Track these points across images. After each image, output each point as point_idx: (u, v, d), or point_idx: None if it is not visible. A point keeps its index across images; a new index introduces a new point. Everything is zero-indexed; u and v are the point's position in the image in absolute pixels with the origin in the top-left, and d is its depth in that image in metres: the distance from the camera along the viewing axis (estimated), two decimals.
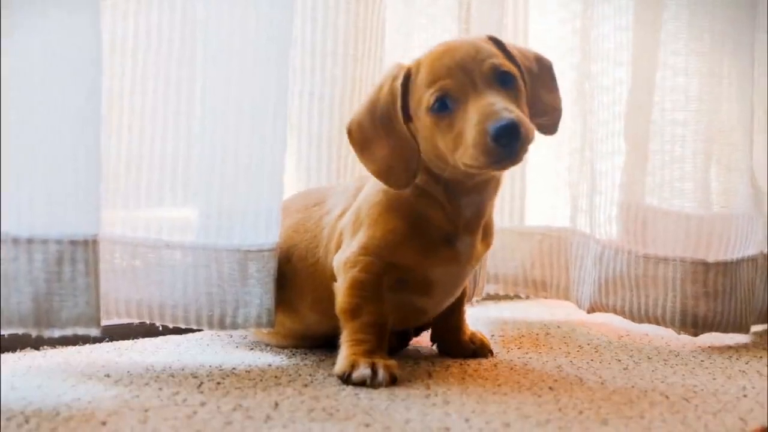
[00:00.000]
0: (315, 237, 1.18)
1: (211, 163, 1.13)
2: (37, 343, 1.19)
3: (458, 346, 1.22)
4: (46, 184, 0.98)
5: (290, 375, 1.08)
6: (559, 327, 1.49)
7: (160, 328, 1.22)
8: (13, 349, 1.17)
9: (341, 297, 1.09)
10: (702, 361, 1.24)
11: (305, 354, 1.22)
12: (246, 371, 1.10)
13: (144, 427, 0.84)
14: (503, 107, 0.98)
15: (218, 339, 1.31)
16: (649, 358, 1.24)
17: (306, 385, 1.03)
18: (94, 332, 1.01)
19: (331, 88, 1.37)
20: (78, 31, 0.99)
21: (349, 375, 1.03)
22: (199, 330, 1.28)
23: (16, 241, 0.97)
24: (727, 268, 1.37)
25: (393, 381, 1.03)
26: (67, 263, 0.99)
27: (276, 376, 1.07)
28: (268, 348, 1.25)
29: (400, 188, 1.08)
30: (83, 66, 0.99)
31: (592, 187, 1.48)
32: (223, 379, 1.05)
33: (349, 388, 1.02)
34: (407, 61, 1.09)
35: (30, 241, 0.98)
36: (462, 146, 1.00)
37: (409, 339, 1.28)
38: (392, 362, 1.06)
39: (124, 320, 1.19)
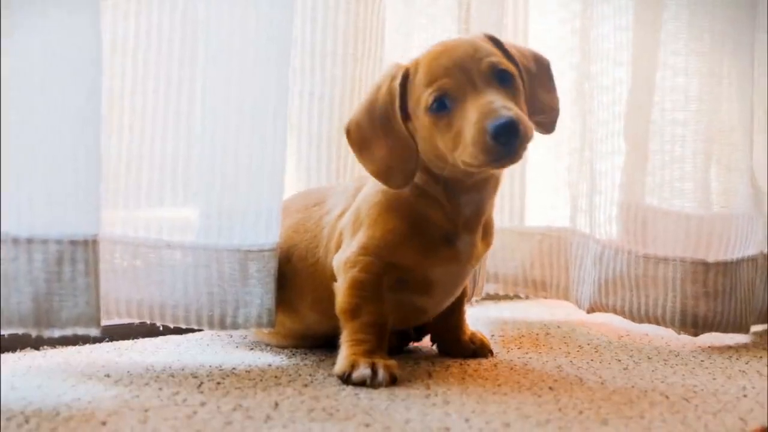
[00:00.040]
0: (315, 237, 1.18)
1: (212, 163, 1.13)
2: (37, 343, 1.19)
3: (458, 346, 1.22)
4: (46, 184, 0.98)
5: (290, 375, 1.08)
6: (559, 327, 1.49)
7: (161, 328, 1.22)
8: (13, 349, 1.17)
9: (341, 297, 1.09)
10: (702, 361, 1.24)
11: (305, 354, 1.22)
12: (246, 371, 1.10)
13: (144, 427, 0.84)
14: (502, 105, 0.98)
15: (218, 339, 1.31)
16: (649, 358, 1.24)
17: (306, 385, 1.03)
18: (94, 332, 1.01)
19: (331, 88, 1.37)
20: (78, 31, 0.99)
21: (349, 375, 1.03)
22: (200, 330, 1.28)
23: (16, 241, 0.97)
24: (727, 268, 1.37)
25: (393, 381, 1.03)
26: (67, 263, 0.99)
27: (276, 376, 1.07)
28: (268, 348, 1.25)
29: (399, 188, 1.08)
30: (83, 66, 0.99)
31: (591, 187, 1.48)
32: (223, 379, 1.05)
33: (349, 388, 1.02)
34: (406, 61, 1.09)
35: (30, 241, 0.98)
36: (461, 145, 1.00)
37: (410, 341, 1.27)
38: (392, 362, 1.06)
39: (125, 320, 1.19)
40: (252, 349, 1.25)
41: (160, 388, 1.00)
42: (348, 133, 1.10)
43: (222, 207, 1.14)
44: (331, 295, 1.11)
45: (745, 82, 1.41)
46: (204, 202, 1.14)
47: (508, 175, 1.59)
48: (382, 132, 1.07)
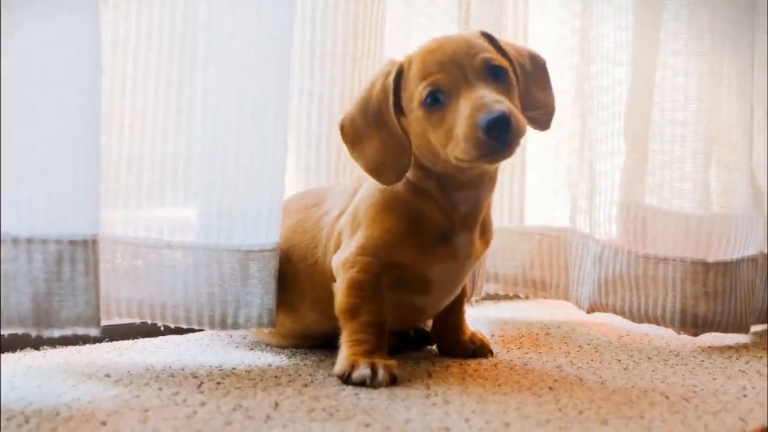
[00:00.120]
0: (314, 237, 1.18)
1: (212, 163, 1.13)
2: (37, 343, 1.19)
3: (458, 346, 1.22)
4: (45, 184, 0.98)
5: (290, 375, 1.08)
6: (559, 327, 1.49)
7: (161, 328, 1.22)
8: (13, 349, 1.17)
9: (340, 297, 1.09)
10: (702, 361, 1.24)
11: (305, 354, 1.22)
12: (246, 371, 1.10)
13: (144, 427, 0.84)
14: (494, 100, 0.98)
15: (218, 339, 1.31)
16: (649, 358, 1.24)
17: (306, 385, 1.03)
18: (94, 332, 1.01)
19: (330, 88, 1.37)
20: (78, 31, 0.99)
21: (349, 375, 1.03)
22: (200, 330, 1.28)
23: (15, 241, 0.97)
24: (726, 268, 1.37)
25: (393, 381, 1.03)
26: (66, 263, 0.99)
27: (276, 376, 1.07)
28: (268, 348, 1.25)
29: (391, 184, 1.08)
30: (83, 66, 0.99)
31: (591, 187, 1.48)
32: (223, 379, 1.05)
33: (349, 388, 1.02)
34: (402, 58, 1.09)
35: (30, 241, 0.98)
36: (453, 140, 1.00)
37: (409, 342, 1.27)
38: (392, 362, 1.06)
39: (125, 320, 1.19)
40: (252, 349, 1.25)
41: (160, 388, 0.99)
42: (342, 128, 1.10)
43: (222, 207, 1.14)
44: (330, 296, 1.11)
45: (745, 82, 1.41)
46: (204, 202, 1.14)
47: (507, 174, 1.59)
48: (376, 128, 1.07)
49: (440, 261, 1.10)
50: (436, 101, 1.02)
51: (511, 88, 1.05)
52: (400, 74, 1.07)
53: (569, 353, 1.26)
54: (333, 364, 1.08)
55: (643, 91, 1.43)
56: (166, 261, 1.13)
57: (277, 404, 0.94)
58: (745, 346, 1.37)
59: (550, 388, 1.04)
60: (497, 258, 1.61)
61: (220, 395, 0.97)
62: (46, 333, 0.98)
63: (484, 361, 1.20)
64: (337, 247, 1.13)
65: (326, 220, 1.18)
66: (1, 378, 1.01)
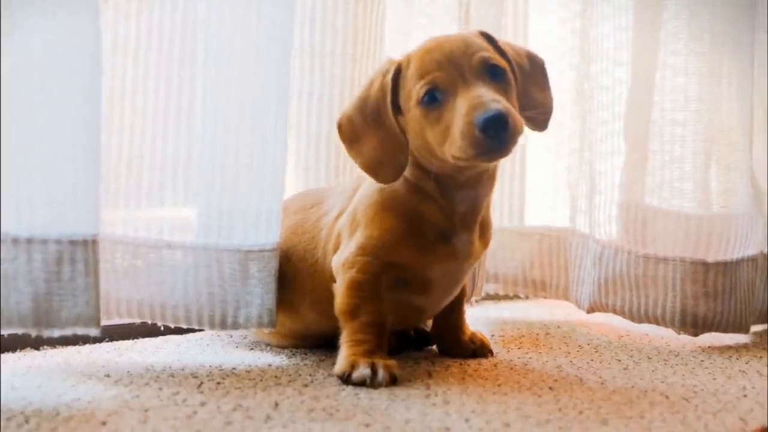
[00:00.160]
0: (313, 238, 1.18)
1: (212, 163, 1.13)
2: (37, 343, 1.19)
3: (458, 346, 1.22)
4: (45, 184, 0.98)
5: (290, 375, 1.08)
6: (559, 327, 1.49)
7: (161, 328, 1.22)
8: (13, 349, 1.17)
9: (340, 298, 1.09)
10: (702, 361, 1.24)
11: (305, 354, 1.22)
12: (246, 371, 1.10)
13: (144, 427, 0.84)
14: (491, 99, 0.98)
15: (218, 339, 1.31)
16: (649, 358, 1.24)
17: (306, 385, 1.03)
18: (94, 332, 1.01)
19: (330, 88, 1.37)
20: (78, 31, 0.99)
21: (349, 375, 1.03)
22: (200, 330, 1.28)
23: (15, 241, 0.97)
24: (726, 268, 1.37)
25: (393, 381, 1.03)
26: (66, 263, 0.99)
27: (276, 376, 1.07)
28: (268, 348, 1.25)
29: (388, 182, 1.08)
30: (83, 66, 0.99)
31: (591, 187, 1.48)
32: (223, 379, 1.05)
33: (349, 388, 1.02)
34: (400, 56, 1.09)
35: (29, 241, 0.98)
36: (450, 138, 1.00)
37: (409, 342, 1.27)
38: (392, 362, 1.06)
39: (125, 320, 1.19)
40: (252, 349, 1.25)
41: (160, 388, 0.99)
42: (340, 127, 1.10)
43: (222, 207, 1.14)
44: (330, 296, 1.11)
45: (745, 82, 1.41)
46: (204, 202, 1.14)
47: (507, 174, 1.59)
48: (374, 126, 1.07)
49: (439, 261, 1.10)
50: (434, 99, 1.02)
51: (509, 87, 1.05)
52: (398, 73, 1.07)
53: (569, 353, 1.26)
54: (333, 364, 1.08)
55: (643, 91, 1.43)
56: (166, 261, 1.13)
57: (277, 404, 0.94)
58: (745, 346, 1.37)
59: (550, 388, 1.04)
60: (497, 258, 1.61)
61: (220, 395, 0.97)
62: (46, 333, 0.98)
63: (484, 361, 1.20)
64: (336, 248, 1.13)
65: (325, 221, 1.18)
66: (1, 378, 1.01)
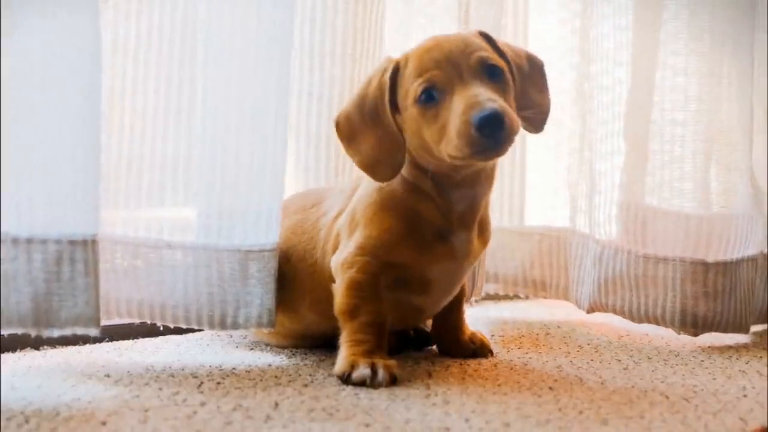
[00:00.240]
0: (312, 238, 1.18)
1: (212, 163, 1.13)
2: (37, 343, 1.19)
3: (458, 346, 1.22)
4: (45, 184, 0.98)
5: (290, 375, 1.08)
6: (559, 327, 1.49)
7: (161, 328, 1.22)
8: (13, 349, 1.17)
9: (339, 298, 1.09)
10: (702, 361, 1.24)
11: (305, 354, 1.22)
12: (246, 371, 1.10)
13: (144, 427, 0.84)
14: (488, 98, 0.98)
15: (218, 339, 1.31)
16: (649, 358, 1.24)
17: (306, 385, 1.03)
18: (94, 332, 1.01)
19: (330, 88, 1.37)
20: (78, 31, 0.99)
21: (349, 375, 1.03)
22: (200, 330, 1.28)
23: (15, 240, 0.97)
24: (726, 268, 1.37)
25: (393, 381, 1.03)
26: (66, 263, 0.99)
27: (276, 376, 1.07)
28: (268, 348, 1.25)
29: (385, 181, 1.08)
30: (83, 66, 0.99)
31: (591, 187, 1.48)
32: (223, 379, 1.05)
33: (349, 388, 1.01)
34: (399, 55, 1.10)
35: (29, 241, 0.98)
36: (446, 137, 1.00)
37: (409, 342, 1.27)
38: (392, 362, 1.06)
39: (125, 320, 1.19)
40: (252, 349, 1.25)
41: (160, 388, 0.99)
42: (337, 125, 1.10)
43: (222, 207, 1.14)
44: (329, 296, 1.11)
45: (745, 82, 1.41)
46: (204, 202, 1.14)
47: (507, 174, 1.59)
48: (371, 125, 1.08)
49: (438, 260, 1.10)
50: (431, 98, 1.02)
51: (507, 87, 1.05)
52: (396, 71, 1.07)
53: (569, 353, 1.26)
54: (333, 364, 1.08)
55: (643, 91, 1.43)
56: (166, 261, 1.13)
57: (277, 404, 0.94)
58: (745, 346, 1.37)
59: (550, 388, 1.04)
60: (497, 258, 1.61)
61: (220, 395, 0.97)
62: (46, 333, 0.98)
63: (484, 361, 1.20)
64: (335, 248, 1.13)
65: (324, 221, 1.18)
66: (1, 378, 1.01)
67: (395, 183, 1.09)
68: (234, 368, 1.11)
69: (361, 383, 1.02)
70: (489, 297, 1.72)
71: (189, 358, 1.17)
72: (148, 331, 1.28)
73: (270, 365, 1.14)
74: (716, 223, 1.40)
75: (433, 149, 1.03)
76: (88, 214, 1.01)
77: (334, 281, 1.11)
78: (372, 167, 1.08)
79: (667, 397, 1.01)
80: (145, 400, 0.94)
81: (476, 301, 1.56)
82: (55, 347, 1.20)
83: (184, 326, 1.15)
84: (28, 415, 0.87)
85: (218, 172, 1.13)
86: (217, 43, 1.13)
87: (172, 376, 1.06)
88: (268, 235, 1.15)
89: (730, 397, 1.02)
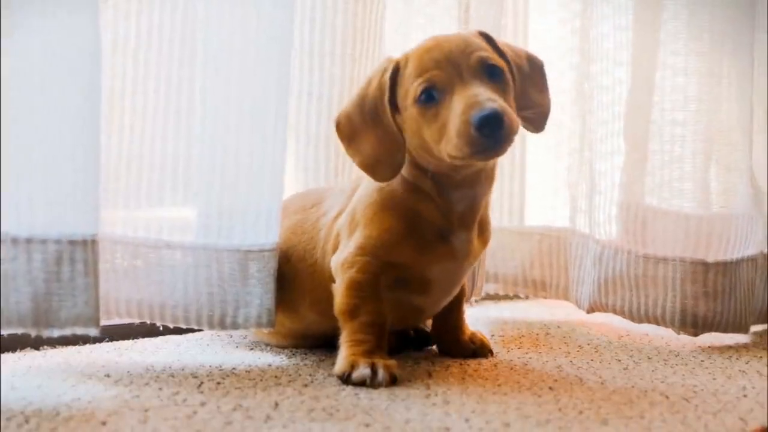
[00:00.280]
0: (312, 239, 1.18)
1: (212, 163, 1.13)
2: (37, 343, 1.19)
3: (458, 346, 1.22)
4: (45, 184, 0.98)
5: (290, 375, 1.08)
6: (559, 327, 1.49)
7: (161, 328, 1.22)
8: (13, 349, 1.17)
9: (339, 298, 1.09)
10: (702, 361, 1.24)
11: (305, 354, 1.22)
12: (246, 371, 1.10)
13: (144, 427, 0.84)
14: (487, 98, 0.98)
15: (218, 339, 1.31)
16: (649, 358, 1.24)
17: (306, 385, 1.03)
18: (93, 332, 1.01)
19: (329, 88, 1.37)
20: (78, 31, 0.99)
21: (349, 375, 1.03)
22: (200, 330, 1.28)
23: (15, 240, 0.97)
24: (726, 268, 1.37)
25: (393, 381, 1.03)
26: (66, 263, 0.99)
27: (276, 376, 1.07)
28: (268, 348, 1.25)
29: (385, 180, 1.08)
30: (83, 66, 0.99)
31: (591, 187, 1.48)
32: (223, 379, 1.05)
33: (349, 388, 1.01)
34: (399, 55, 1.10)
35: (29, 240, 0.98)
36: (446, 137, 1.00)
37: (409, 342, 1.27)
38: (392, 362, 1.06)
39: (125, 320, 1.19)
40: (252, 349, 1.25)
41: (160, 388, 0.99)
42: (338, 125, 1.10)
43: (222, 207, 1.14)
44: (329, 296, 1.11)
45: (745, 82, 1.41)
46: (204, 202, 1.14)
47: (507, 174, 1.59)
48: (372, 125, 1.08)
49: (439, 260, 1.10)
50: (431, 98, 1.02)
51: (506, 87, 1.05)
52: (396, 71, 1.07)
53: (569, 353, 1.26)
54: (333, 364, 1.08)
55: (643, 91, 1.43)
56: (166, 261, 1.13)
57: (277, 404, 0.94)
58: (745, 346, 1.37)
59: (550, 388, 1.04)
60: (497, 258, 1.61)
61: (220, 395, 0.97)
62: (46, 333, 0.98)
63: (484, 361, 1.20)
64: (335, 248, 1.13)
65: (324, 221, 1.18)
66: (1, 378, 1.01)
67: (395, 183, 1.09)
68: (234, 368, 1.11)
69: (361, 383, 1.02)
70: (489, 297, 1.72)
71: (189, 358, 1.17)
72: (148, 331, 1.28)
73: (270, 365, 1.14)
74: (716, 223, 1.40)
75: (433, 149, 1.03)
76: (88, 214, 1.01)
77: (334, 281, 1.11)
78: (372, 167, 1.08)
79: (667, 397, 1.01)
80: (145, 400, 0.94)
81: (476, 301, 1.56)
82: (55, 347, 1.20)
83: (183, 326, 1.15)
84: (28, 415, 0.87)
85: (218, 171, 1.13)
86: (216, 43, 1.13)
87: (172, 376, 1.06)
88: (268, 235, 1.15)
89: (730, 397, 1.02)
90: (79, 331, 1.00)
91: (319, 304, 1.15)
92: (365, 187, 1.13)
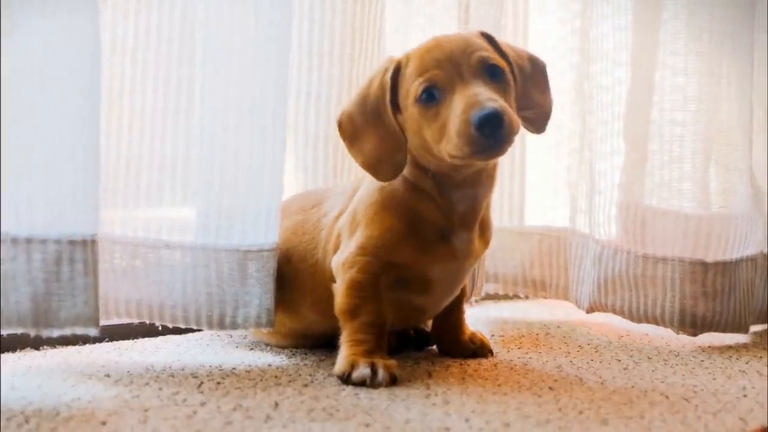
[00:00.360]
0: (313, 239, 1.18)
1: (211, 163, 1.13)
2: (37, 343, 1.19)
3: (458, 346, 1.22)
4: (45, 184, 0.98)
5: (290, 375, 1.08)
6: (559, 327, 1.49)
7: (160, 328, 1.22)
8: (13, 349, 1.17)
9: (340, 298, 1.09)
10: (702, 361, 1.24)
11: (305, 354, 1.22)
12: (246, 371, 1.10)
13: (144, 427, 0.84)
14: (488, 98, 0.98)
15: (218, 339, 1.31)
16: (649, 358, 1.24)
17: (306, 385, 1.03)
18: (93, 332, 1.01)
19: (328, 88, 1.37)
20: (78, 31, 0.99)
21: (349, 375, 1.03)
22: (199, 330, 1.28)
23: (15, 240, 0.97)
24: (726, 268, 1.37)
25: (393, 381, 1.03)
26: (65, 263, 0.99)
27: (276, 376, 1.07)
28: (268, 348, 1.25)
29: (387, 180, 1.08)
30: (82, 66, 0.99)
31: (591, 187, 1.48)
32: (223, 379, 1.05)
33: (349, 388, 1.01)
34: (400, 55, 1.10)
35: (29, 240, 0.98)
36: (446, 136, 1.00)
37: (409, 342, 1.27)
38: (392, 362, 1.06)
39: (125, 320, 1.19)
40: (252, 349, 1.25)
41: (160, 388, 0.99)
42: (340, 124, 1.10)
43: (221, 207, 1.14)
44: (330, 296, 1.11)
45: (745, 82, 1.41)
46: (203, 202, 1.14)
47: (507, 174, 1.59)
48: (373, 124, 1.08)
49: (440, 260, 1.10)
50: (431, 97, 1.02)
51: (507, 88, 1.05)
52: (397, 71, 1.07)
53: (569, 353, 1.26)
54: (333, 364, 1.08)
55: (643, 91, 1.43)
56: (165, 261, 1.13)
57: (277, 404, 0.94)
58: (745, 346, 1.37)
59: (550, 388, 1.04)
60: (497, 258, 1.61)
61: (220, 395, 0.97)
62: (45, 333, 0.98)
63: (484, 361, 1.20)
64: (336, 248, 1.13)
65: (325, 222, 1.18)
66: (1, 378, 1.01)
67: (396, 183, 1.09)
68: (234, 368, 1.11)
69: (361, 383, 1.02)
70: (489, 297, 1.72)
71: (189, 358, 1.17)
72: (148, 331, 1.28)
73: (270, 365, 1.14)
74: (715, 223, 1.41)
75: (434, 149, 1.03)
76: (87, 214, 1.01)
77: (335, 281, 1.11)
78: (374, 167, 1.08)
79: (667, 397, 1.01)
80: (145, 400, 0.94)
81: (476, 301, 1.56)
82: (55, 347, 1.20)
83: (183, 326, 1.15)
84: (28, 415, 0.87)
85: (217, 171, 1.13)
86: (215, 43, 1.12)
87: (172, 376, 1.06)
88: (267, 235, 1.14)
89: (730, 397, 1.02)
90: (79, 331, 1.00)
91: (320, 305, 1.15)
92: (366, 186, 1.13)
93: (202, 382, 1.03)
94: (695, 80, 1.40)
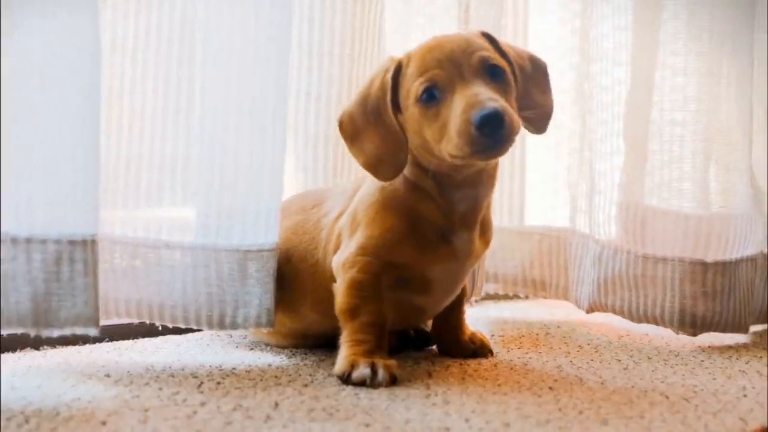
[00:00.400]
0: (313, 239, 1.18)
1: (211, 163, 1.13)
2: (37, 343, 1.18)
3: (458, 346, 1.22)
4: (45, 184, 0.98)
5: (290, 375, 1.08)
6: (559, 327, 1.49)
7: (160, 328, 1.22)
8: (13, 349, 1.17)
9: (340, 298, 1.09)
10: (702, 361, 1.24)
11: (305, 354, 1.22)
12: (246, 371, 1.10)
13: (144, 427, 0.84)
14: (488, 97, 0.98)
15: (218, 339, 1.31)
16: (649, 358, 1.24)
17: (306, 385, 1.03)
18: (93, 332, 1.01)
19: (328, 88, 1.36)
20: (78, 31, 0.99)
21: (349, 375, 1.03)
22: (199, 330, 1.28)
23: (15, 240, 0.97)
24: (725, 268, 1.37)
25: (393, 381, 1.03)
26: (65, 263, 0.99)
27: (276, 376, 1.07)
28: (268, 348, 1.25)
29: (388, 180, 1.08)
30: (82, 66, 0.99)
31: (591, 187, 1.48)
32: (223, 379, 1.05)
33: (349, 388, 1.01)
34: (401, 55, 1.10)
35: (29, 240, 0.98)
36: (447, 136, 1.00)
37: (409, 342, 1.27)
38: (392, 362, 1.06)
39: (125, 320, 1.19)
40: (252, 349, 1.25)
41: (160, 388, 0.99)
42: (341, 124, 1.10)
43: (221, 207, 1.14)
44: (330, 296, 1.11)
45: (744, 82, 1.41)
46: (203, 202, 1.14)
47: (507, 174, 1.59)
48: (374, 124, 1.08)
49: (440, 260, 1.10)
50: (432, 97, 1.03)
51: (508, 88, 1.05)
52: (398, 71, 1.07)
53: (569, 353, 1.26)
54: (333, 364, 1.08)
55: (643, 91, 1.43)
56: (165, 261, 1.13)
57: (277, 404, 0.94)
58: (745, 346, 1.37)
59: (550, 388, 1.04)
60: (497, 258, 1.61)
61: (220, 395, 0.97)
62: (45, 333, 0.98)
63: (484, 361, 1.20)
64: (336, 248, 1.13)
65: (326, 222, 1.18)
66: (1, 378, 1.01)
67: (397, 183, 1.10)
68: (234, 368, 1.11)
69: (361, 383, 1.02)
70: (489, 297, 1.72)
71: (189, 358, 1.17)
72: (148, 331, 1.28)
73: (270, 365, 1.14)
74: (715, 223, 1.41)
75: (434, 148, 1.03)
76: (87, 214, 1.01)
77: (335, 281, 1.11)
78: (375, 166, 1.08)
79: (667, 397, 1.01)
80: (145, 400, 0.94)
81: (476, 301, 1.56)
82: (54, 347, 1.20)
83: (182, 326, 1.15)
84: (28, 415, 0.87)
85: (217, 171, 1.13)
86: (215, 43, 1.12)
87: (172, 376, 1.06)
88: (267, 234, 1.14)
89: (730, 397, 1.02)
90: (79, 331, 1.00)
91: (321, 305, 1.15)
92: (367, 186, 1.13)
93: (202, 382, 1.03)
94: (695, 80, 1.40)
